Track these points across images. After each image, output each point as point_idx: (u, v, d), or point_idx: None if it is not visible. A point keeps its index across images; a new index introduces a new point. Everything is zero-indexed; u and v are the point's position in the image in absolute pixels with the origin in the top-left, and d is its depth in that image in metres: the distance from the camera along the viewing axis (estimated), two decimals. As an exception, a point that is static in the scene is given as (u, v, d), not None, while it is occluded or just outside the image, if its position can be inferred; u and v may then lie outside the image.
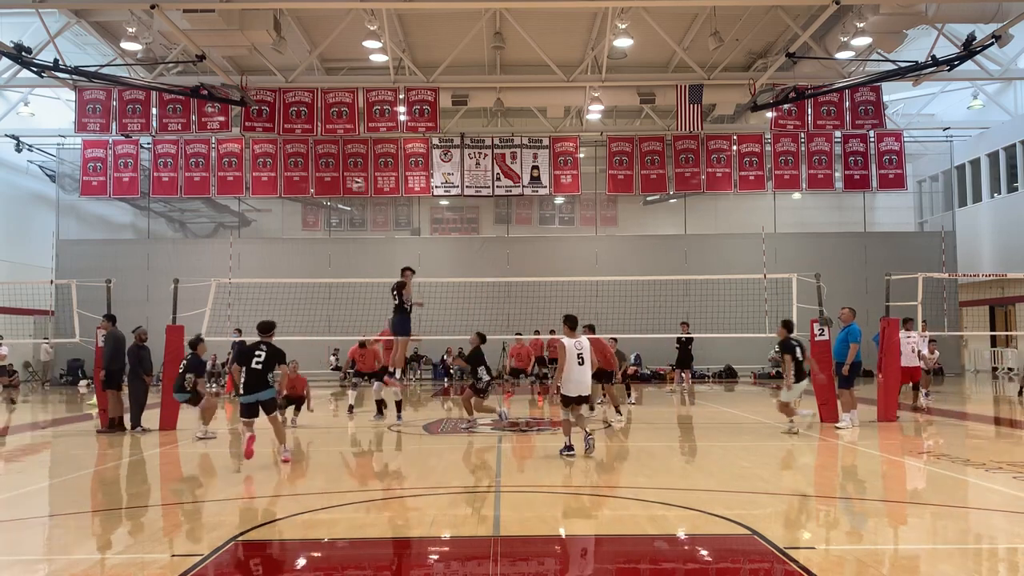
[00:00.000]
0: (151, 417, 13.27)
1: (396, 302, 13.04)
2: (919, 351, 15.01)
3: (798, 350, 11.93)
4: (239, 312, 21.07)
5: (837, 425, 12.52)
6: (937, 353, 18.34)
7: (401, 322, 12.96)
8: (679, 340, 20.87)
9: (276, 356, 9.65)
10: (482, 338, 12.79)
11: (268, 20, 18.46)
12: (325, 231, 30.84)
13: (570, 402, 9.78)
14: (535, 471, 8.95)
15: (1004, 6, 18.03)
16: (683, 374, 21.72)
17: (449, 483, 8.43)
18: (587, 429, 9.94)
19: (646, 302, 19.73)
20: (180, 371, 12.26)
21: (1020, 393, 17.81)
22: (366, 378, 14.90)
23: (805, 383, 12.20)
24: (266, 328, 9.93)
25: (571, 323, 9.91)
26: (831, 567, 5.10)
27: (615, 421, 13.58)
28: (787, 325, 12.22)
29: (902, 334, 14.97)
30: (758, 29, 21.14)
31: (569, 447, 9.67)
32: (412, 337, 13.42)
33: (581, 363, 9.67)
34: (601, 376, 13.97)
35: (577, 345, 9.70)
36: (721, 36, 19.32)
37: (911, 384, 15.30)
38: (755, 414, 15.27)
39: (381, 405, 14.36)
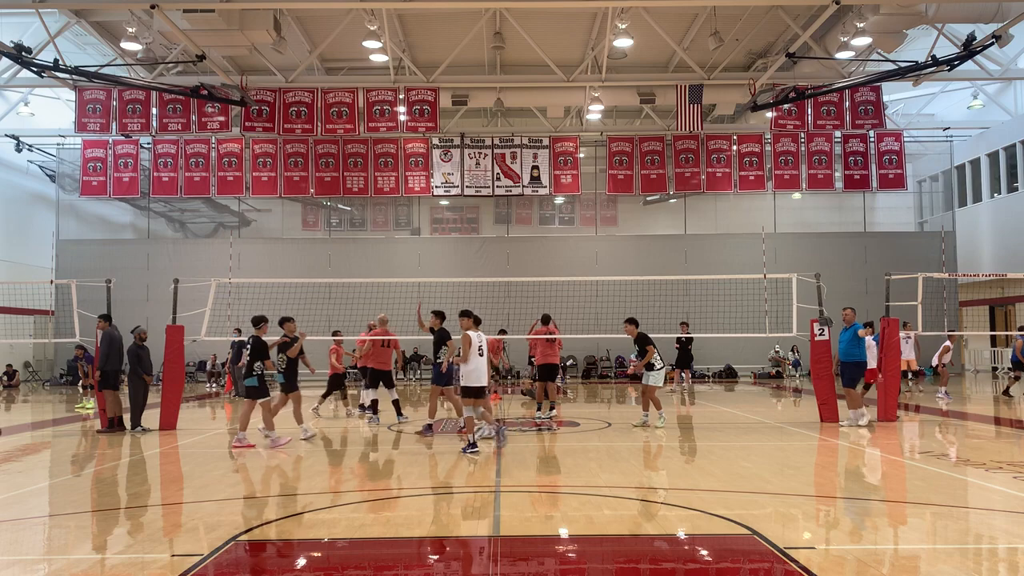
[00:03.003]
0: (151, 417, 13.27)
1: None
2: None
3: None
4: (239, 312, 21.07)
5: (841, 424, 12.62)
6: (949, 355, 18.32)
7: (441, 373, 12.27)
8: (679, 340, 20.90)
9: None
10: (441, 317, 11.95)
11: (268, 20, 18.47)
12: (325, 231, 30.84)
13: (473, 394, 10.20)
14: (535, 471, 8.95)
15: (1004, 6, 18.04)
16: (683, 374, 21.74)
17: (449, 483, 8.44)
18: (492, 424, 10.66)
19: (646, 302, 19.75)
20: (247, 359, 11.32)
21: (1006, 392, 17.78)
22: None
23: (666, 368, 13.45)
24: None
25: (471, 316, 10.66)
26: (831, 567, 5.10)
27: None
28: (633, 321, 12.87)
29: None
30: (758, 29, 21.13)
31: (474, 444, 10.05)
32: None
33: (481, 354, 10.31)
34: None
35: (478, 338, 10.36)
36: (721, 36, 19.33)
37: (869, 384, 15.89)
38: (755, 414, 15.28)
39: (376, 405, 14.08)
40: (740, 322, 20.50)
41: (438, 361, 11.70)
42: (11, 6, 19.66)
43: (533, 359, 15.75)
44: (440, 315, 11.90)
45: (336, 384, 15.47)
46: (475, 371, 10.23)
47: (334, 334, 16.29)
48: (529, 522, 6.56)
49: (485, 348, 10.38)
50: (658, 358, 12.67)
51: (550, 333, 14.43)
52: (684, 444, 11.51)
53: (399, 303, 20.16)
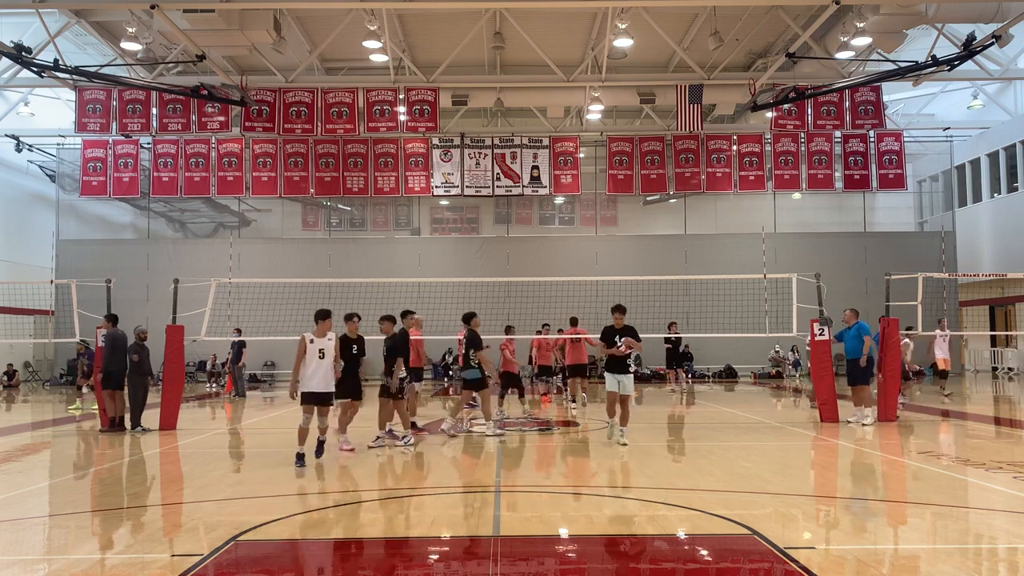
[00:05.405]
0: (151, 417, 13.27)
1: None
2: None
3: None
4: (239, 312, 21.09)
5: (849, 420, 12.75)
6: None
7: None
8: (667, 340, 20.93)
9: None
10: (393, 320, 11.20)
11: (268, 20, 18.47)
12: (325, 231, 30.85)
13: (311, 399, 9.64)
14: (535, 471, 8.95)
15: (1004, 6, 18.04)
16: (680, 373, 21.76)
17: (449, 483, 8.44)
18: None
19: (646, 302, 19.74)
20: (463, 351, 11.58)
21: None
22: None
23: None
24: None
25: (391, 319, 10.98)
26: (831, 567, 5.10)
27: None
28: (621, 309, 11.15)
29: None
30: (758, 29, 21.13)
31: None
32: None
33: (321, 357, 9.52)
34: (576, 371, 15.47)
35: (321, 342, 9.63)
36: (721, 36, 19.33)
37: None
38: (755, 414, 15.28)
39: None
40: (740, 322, 20.50)
41: (389, 374, 10.87)
42: (11, 6, 19.66)
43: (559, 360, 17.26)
44: (390, 319, 11.15)
45: (512, 381, 14.86)
46: (312, 376, 9.45)
47: (507, 330, 15.54)
48: (529, 522, 6.56)
49: (327, 352, 9.52)
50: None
51: (577, 334, 15.53)
52: (684, 444, 11.51)
53: (399, 303, 20.15)
